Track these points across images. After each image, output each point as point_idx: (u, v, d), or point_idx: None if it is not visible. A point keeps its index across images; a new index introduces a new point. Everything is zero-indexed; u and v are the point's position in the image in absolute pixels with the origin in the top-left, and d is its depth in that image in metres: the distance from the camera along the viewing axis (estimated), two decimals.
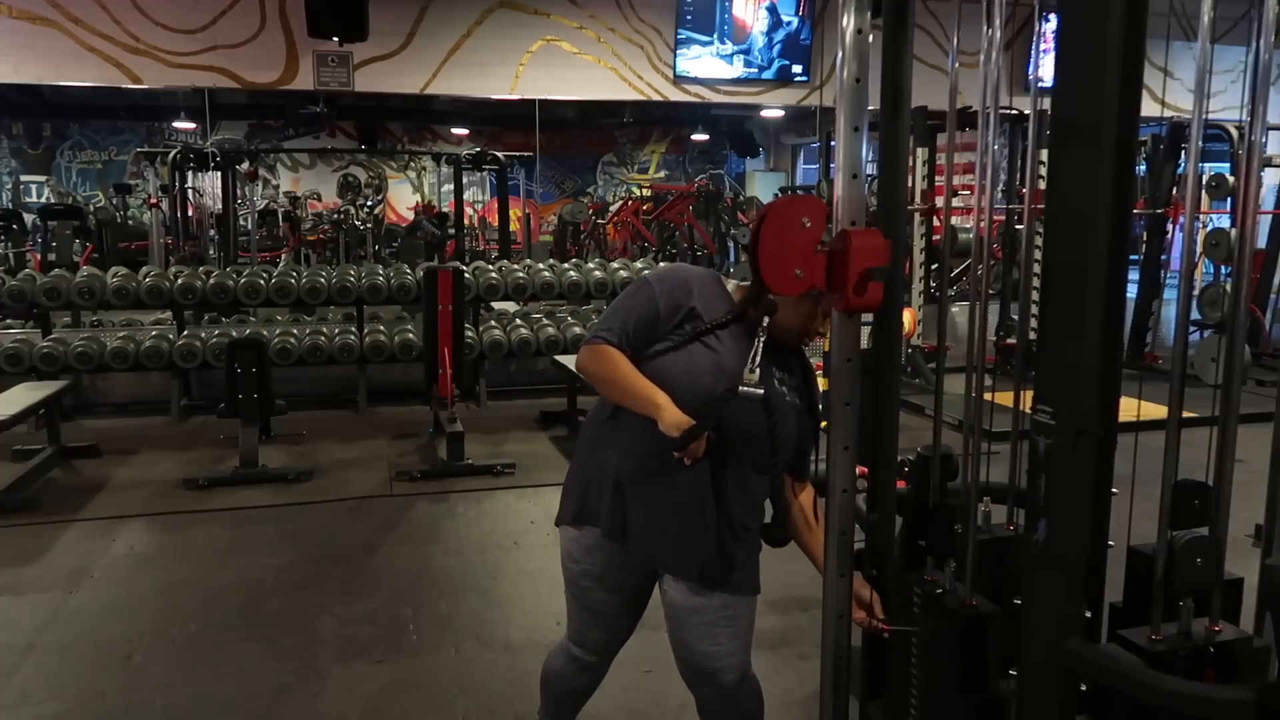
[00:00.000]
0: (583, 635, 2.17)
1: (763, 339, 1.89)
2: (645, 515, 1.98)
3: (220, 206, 9.32)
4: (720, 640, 2.03)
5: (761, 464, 1.96)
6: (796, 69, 8.59)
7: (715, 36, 8.42)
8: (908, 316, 6.64)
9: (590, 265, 7.31)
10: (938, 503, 2.04)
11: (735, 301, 1.98)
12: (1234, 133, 7.06)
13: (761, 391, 1.84)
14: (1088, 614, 1.70)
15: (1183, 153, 7.41)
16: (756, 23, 8.46)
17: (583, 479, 2.06)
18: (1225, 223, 7.50)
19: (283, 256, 10.82)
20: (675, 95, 8.50)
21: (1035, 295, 3.64)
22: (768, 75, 8.57)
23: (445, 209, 11.71)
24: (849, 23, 1.79)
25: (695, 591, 1.99)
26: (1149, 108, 1.84)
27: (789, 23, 8.46)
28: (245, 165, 9.79)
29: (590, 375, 1.98)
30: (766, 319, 1.91)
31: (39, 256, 9.91)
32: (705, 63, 8.39)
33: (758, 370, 1.85)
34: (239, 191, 10.00)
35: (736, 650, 2.04)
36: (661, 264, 1.79)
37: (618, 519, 2.00)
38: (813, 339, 2.01)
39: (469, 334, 6.43)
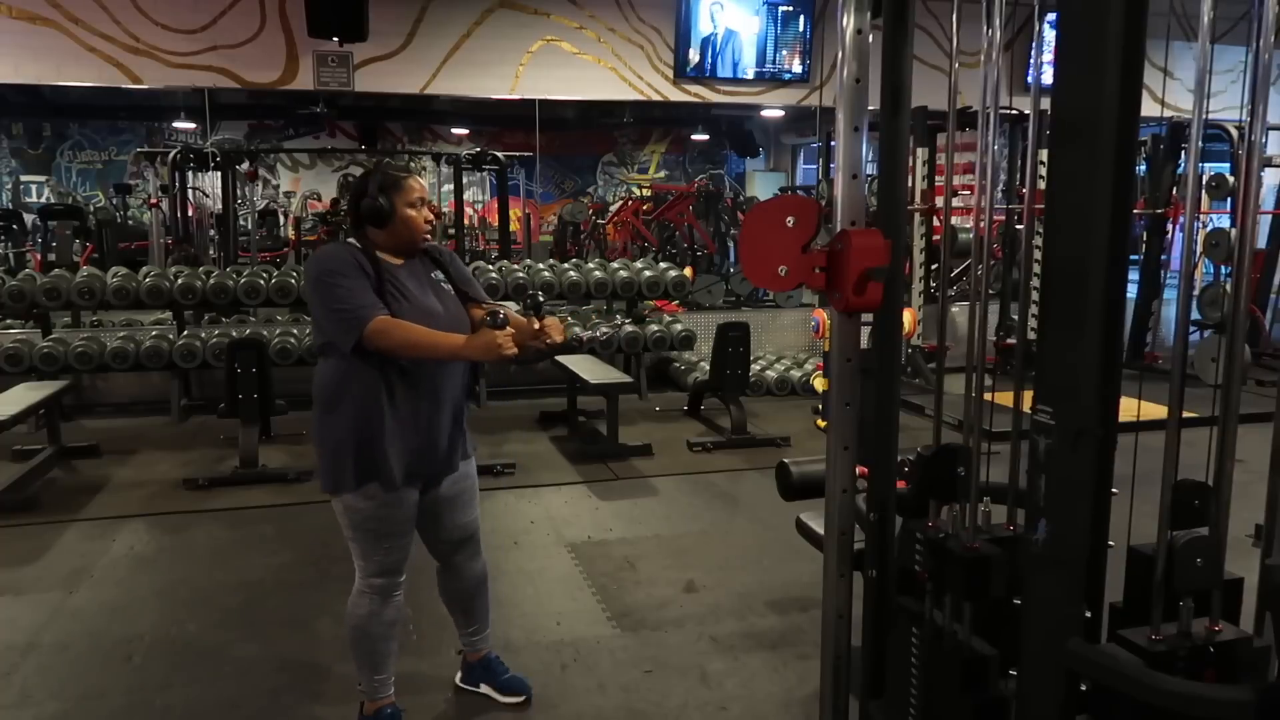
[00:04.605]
0: (390, 564, 2.48)
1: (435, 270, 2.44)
2: (433, 436, 2.39)
3: (220, 206, 9.30)
4: (474, 504, 2.63)
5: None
6: (796, 69, 8.58)
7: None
8: (908, 316, 6.64)
9: (590, 265, 7.32)
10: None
11: (367, 254, 2.29)
12: (1234, 133, 7.05)
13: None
14: (1088, 614, 1.70)
15: (1183, 153, 7.41)
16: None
17: (374, 444, 2.30)
18: (1225, 223, 7.50)
19: (289, 255, 10.82)
20: (675, 95, 8.50)
21: (1035, 295, 3.65)
22: (767, 75, 8.57)
23: (445, 208, 11.69)
24: (849, 23, 1.79)
25: (458, 468, 2.52)
26: (1149, 108, 1.84)
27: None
28: (245, 165, 9.77)
29: (391, 344, 2.23)
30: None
31: (39, 256, 9.89)
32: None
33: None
34: (239, 191, 9.99)
35: (477, 509, 2.66)
36: (321, 262, 2.12)
37: (420, 459, 2.38)
38: (424, 234, 2.37)
39: None
